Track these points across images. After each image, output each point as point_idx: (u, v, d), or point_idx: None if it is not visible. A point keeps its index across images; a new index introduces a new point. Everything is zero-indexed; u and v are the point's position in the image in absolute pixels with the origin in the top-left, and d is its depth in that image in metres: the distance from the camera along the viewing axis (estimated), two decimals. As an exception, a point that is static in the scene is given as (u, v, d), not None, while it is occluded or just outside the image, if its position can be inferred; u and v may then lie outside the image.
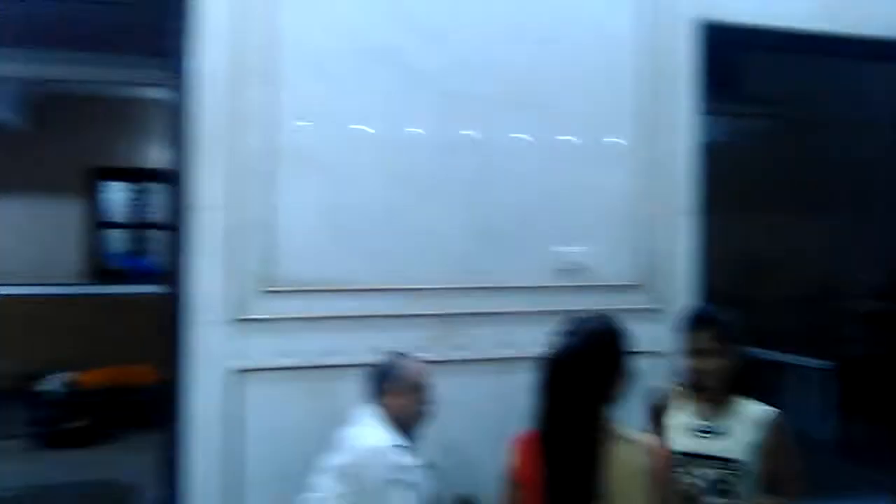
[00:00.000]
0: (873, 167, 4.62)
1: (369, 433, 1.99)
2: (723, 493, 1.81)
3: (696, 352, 1.86)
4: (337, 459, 1.99)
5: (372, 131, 2.53)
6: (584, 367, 1.62)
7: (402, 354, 2.21)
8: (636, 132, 2.78)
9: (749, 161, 6.05)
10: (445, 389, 2.35)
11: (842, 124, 5.53)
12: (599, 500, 1.52)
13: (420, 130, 2.58)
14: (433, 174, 2.58)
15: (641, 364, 2.06)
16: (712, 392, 1.88)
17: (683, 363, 1.92)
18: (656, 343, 2.47)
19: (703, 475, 1.83)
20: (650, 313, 2.67)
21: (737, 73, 4.94)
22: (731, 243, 5.55)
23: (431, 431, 2.24)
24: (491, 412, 2.52)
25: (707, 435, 1.86)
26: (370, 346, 2.33)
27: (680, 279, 2.79)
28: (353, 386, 2.18)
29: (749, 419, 1.86)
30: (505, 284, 2.62)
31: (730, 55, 3.93)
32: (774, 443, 1.83)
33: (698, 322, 1.89)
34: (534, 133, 2.67)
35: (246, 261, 2.40)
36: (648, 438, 1.69)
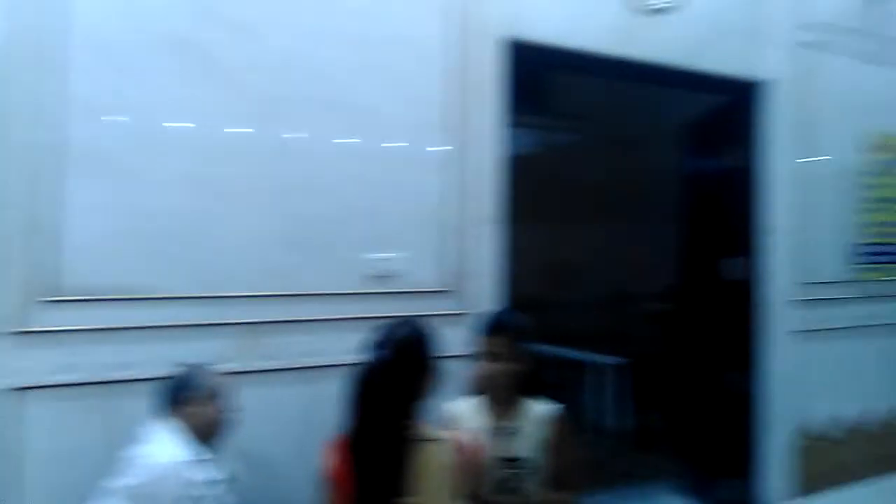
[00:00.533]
0: (661, 181, 5.13)
1: (162, 449, 1.89)
2: (512, 491, 1.92)
3: (488, 355, 1.96)
4: (127, 480, 1.86)
5: (173, 130, 2.40)
6: (393, 372, 1.68)
7: (197, 365, 2.12)
8: (446, 141, 2.87)
9: (554, 173, 6.49)
10: (251, 400, 2.30)
11: (636, 141, 6.09)
12: (407, 499, 1.57)
13: (227, 130, 2.48)
14: (239, 177, 2.49)
15: (450, 367, 2.14)
16: (503, 394, 1.99)
17: (477, 366, 2.01)
18: (464, 347, 2.57)
19: (495, 475, 1.93)
20: (458, 318, 2.77)
21: (544, 89, 5.27)
22: (536, 250, 5.92)
23: (234, 444, 2.17)
24: (299, 422, 2.49)
25: (498, 436, 1.97)
26: (167, 358, 2.21)
27: (486, 285, 2.93)
28: (145, 401, 2.05)
29: (536, 417, 1.99)
30: (315, 291, 2.59)
31: (537, 72, 4.18)
32: (558, 438, 1.97)
33: (491, 327, 1.99)
34: (345, 138, 2.67)
35: (24, 267, 2.18)
36: (455, 435, 1.76)
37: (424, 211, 2.82)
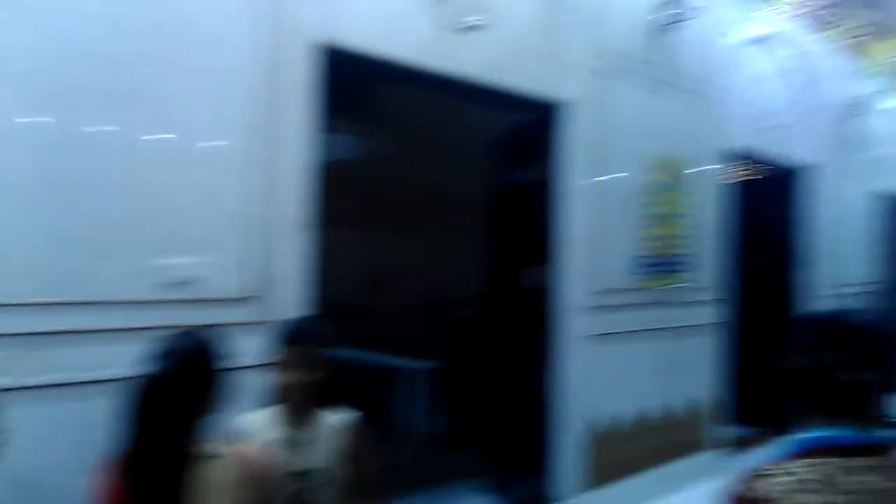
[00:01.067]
0: (472, 192, 5.34)
1: None
2: (307, 504, 1.89)
3: (285, 365, 1.92)
4: None
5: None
6: (174, 386, 1.59)
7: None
8: (252, 143, 2.77)
9: (370, 180, 6.53)
10: (23, 419, 2.06)
11: (449, 152, 6.28)
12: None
13: (-4, 120, 2.21)
14: (13, 172, 2.23)
15: (251, 377, 2.07)
16: (300, 404, 1.95)
17: (274, 376, 1.96)
18: (266, 356, 2.49)
19: (285, 489, 1.89)
20: (262, 326, 2.67)
21: (361, 96, 5.28)
22: (350, 256, 5.92)
23: (3, 468, 1.93)
24: (76, 442, 2.27)
25: (295, 447, 1.93)
26: None
27: (294, 291, 2.86)
28: None
29: (332, 427, 1.97)
30: (100, 299, 2.38)
31: (354, 78, 4.19)
32: (355, 446, 1.97)
33: (288, 336, 1.95)
34: (139, 134, 2.47)
35: None
36: (241, 450, 1.70)
37: (227, 214, 2.70)
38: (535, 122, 4.09)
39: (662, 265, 4.61)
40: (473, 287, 5.45)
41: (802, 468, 1.18)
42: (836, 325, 1.28)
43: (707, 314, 5.04)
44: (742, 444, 5.16)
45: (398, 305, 6.45)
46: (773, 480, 1.18)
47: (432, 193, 6.54)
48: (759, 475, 1.21)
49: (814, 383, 1.25)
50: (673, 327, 4.74)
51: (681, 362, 4.82)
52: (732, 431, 5.25)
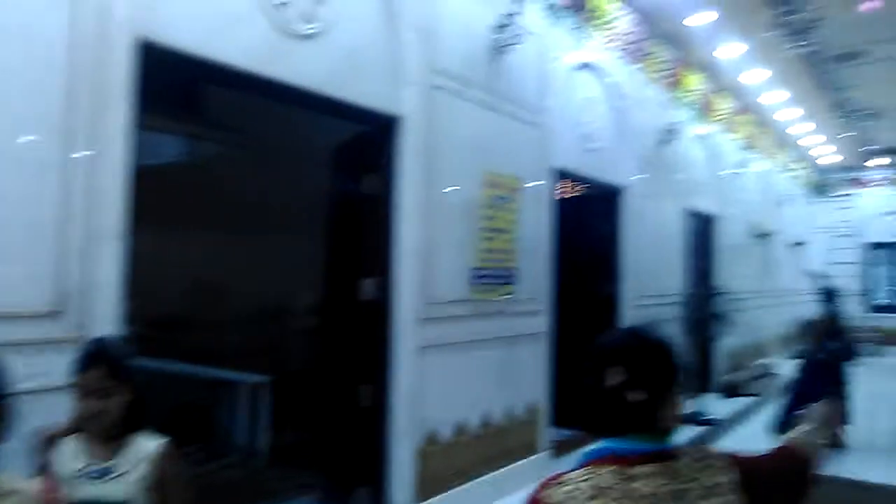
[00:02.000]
0: (308, 201, 5.25)
1: None
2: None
3: (85, 391, 1.77)
4: None
5: None
6: None
7: None
8: (59, 145, 2.54)
9: (199, 185, 6.22)
10: None
11: (286, 159, 6.14)
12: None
13: None
14: None
15: (53, 400, 1.87)
16: (104, 432, 1.80)
17: (75, 402, 1.80)
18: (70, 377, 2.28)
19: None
20: (67, 344, 2.45)
21: (189, 98, 5.05)
22: (175, 265, 5.59)
23: None
24: None
25: (97, 479, 1.78)
26: None
27: (105, 305, 2.65)
28: None
29: (140, 455, 1.84)
30: None
31: (180, 79, 3.98)
32: (161, 474, 1.84)
33: (88, 360, 1.80)
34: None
35: None
36: (32, 485, 1.54)
37: (26, 221, 2.45)
38: (372, 135, 4.10)
39: (495, 277, 4.79)
40: (308, 298, 5.35)
41: (583, 476, 1.29)
42: (626, 347, 1.39)
43: (536, 324, 5.30)
44: (564, 447, 5.46)
45: (229, 316, 6.18)
46: (560, 489, 1.28)
47: (266, 202, 6.35)
48: (550, 482, 1.30)
49: (604, 401, 1.35)
50: (506, 336, 4.93)
51: (515, 370, 5.03)
52: (557, 434, 5.54)
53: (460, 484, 4.44)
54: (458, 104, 4.50)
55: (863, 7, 6.44)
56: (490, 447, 4.75)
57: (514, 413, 5.01)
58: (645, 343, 1.39)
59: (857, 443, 6.62)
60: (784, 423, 6.66)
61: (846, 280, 14.86)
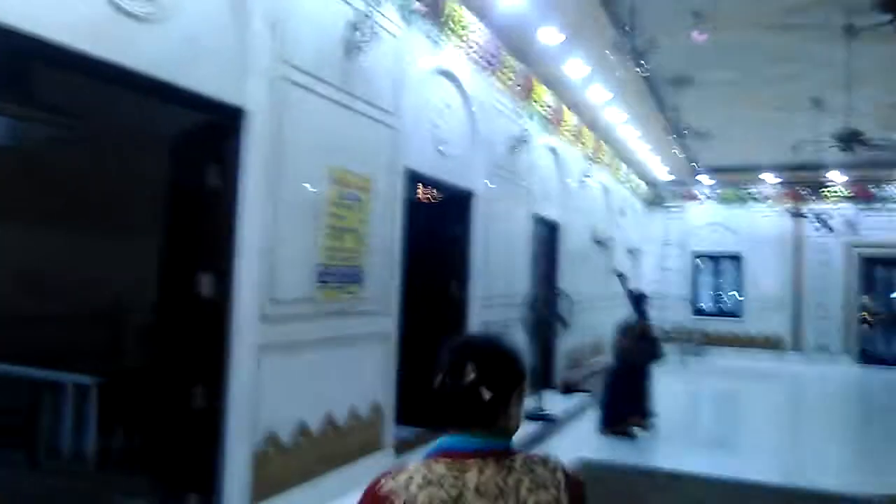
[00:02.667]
0: (146, 192, 4.98)
1: None
2: None
3: None
4: None
5: None
6: None
7: None
8: None
9: (26, 170, 5.76)
10: None
11: (123, 146, 5.80)
12: None
13: None
14: None
15: None
16: None
17: None
18: None
19: None
20: None
21: (15, 76, 4.64)
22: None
23: None
24: None
25: None
26: None
27: None
28: None
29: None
30: None
31: (3, 56, 3.65)
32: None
33: None
34: None
35: None
36: None
37: None
38: (214, 125, 3.96)
39: (341, 276, 4.78)
40: (141, 294, 5.06)
41: (418, 469, 1.36)
42: (477, 348, 1.47)
43: (383, 323, 5.35)
44: (408, 445, 5.55)
45: (55, 313, 5.71)
46: (395, 479, 1.35)
47: (99, 191, 5.94)
48: (386, 474, 1.37)
49: (453, 398, 1.42)
50: (351, 336, 4.93)
51: (359, 369, 5.04)
52: (402, 433, 5.62)
53: (301, 485, 4.38)
54: (309, 99, 4.45)
55: (693, 36, 7.06)
56: (333, 447, 4.73)
57: (358, 412, 5.02)
58: (494, 346, 1.48)
59: (662, 434, 7.28)
60: (605, 420, 7.20)
61: (675, 286, 16.24)
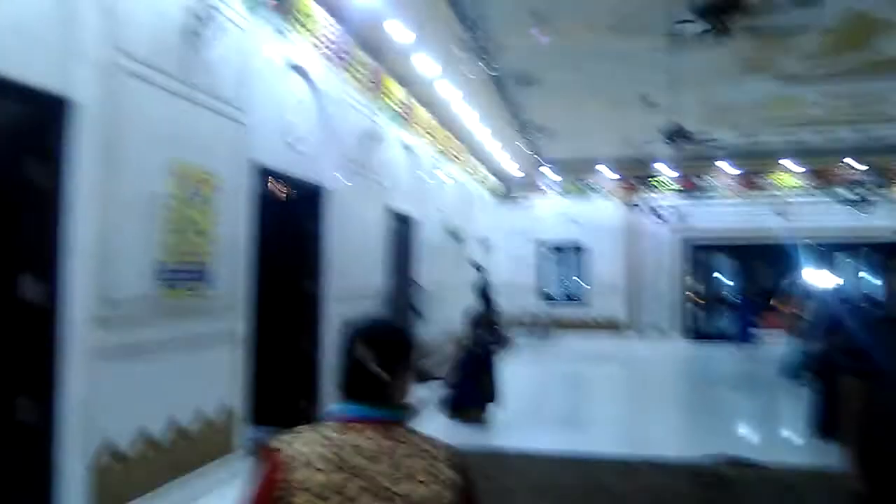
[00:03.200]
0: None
1: None
2: None
3: None
4: None
5: None
6: None
7: None
8: None
9: None
10: None
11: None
12: None
13: None
14: None
15: None
16: None
17: None
18: None
19: None
20: None
21: None
22: None
23: None
24: None
25: None
26: None
27: None
28: None
29: None
30: None
31: None
32: None
33: None
34: None
35: None
36: None
37: None
38: (37, 118, 3.65)
39: (185, 275, 4.58)
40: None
41: (307, 430, 1.54)
42: (374, 329, 1.66)
43: (232, 322, 5.19)
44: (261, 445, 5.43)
45: None
46: (286, 438, 1.52)
47: None
48: (281, 436, 1.54)
49: (351, 371, 1.59)
50: (197, 336, 4.74)
51: (207, 371, 4.85)
52: (254, 434, 5.49)
53: (149, 495, 4.17)
54: (145, 90, 4.22)
55: (535, 35, 7.41)
56: (181, 453, 4.53)
57: (206, 416, 4.84)
58: (383, 326, 1.71)
59: (513, 416, 7.64)
60: (452, 405, 7.44)
61: (525, 275, 16.99)
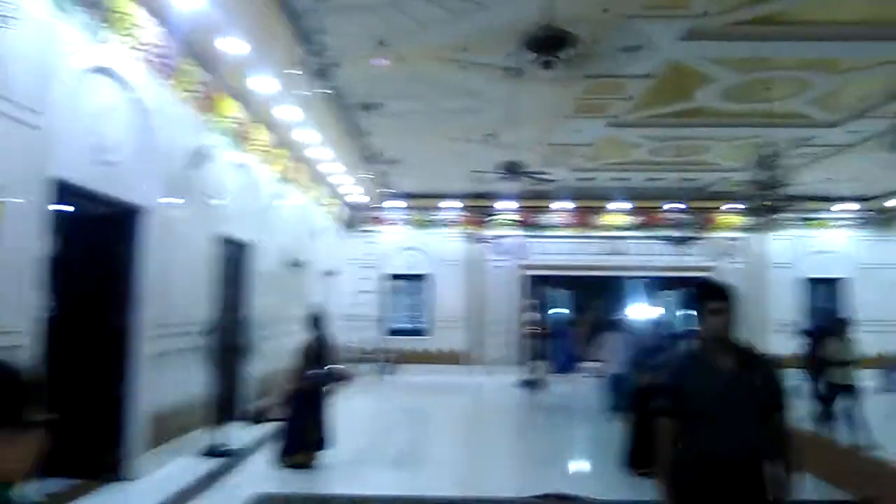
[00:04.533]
0: None
1: None
2: None
3: None
4: None
5: None
6: None
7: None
8: None
9: None
10: None
11: None
12: None
13: None
14: None
15: None
16: None
17: None
18: None
19: None
20: None
21: None
22: None
23: None
24: None
25: None
26: None
27: None
28: None
29: None
30: None
31: None
32: None
33: None
34: None
35: None
36: None
37: None
38: None
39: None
40: None
41: None
42: None
43: (11, 358, 4.41)
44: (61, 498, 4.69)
45: None
46: None
47: None
48: None
49: None
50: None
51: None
52: (49, 486, 4.73)
53: None
54: None
55: (374, 62, 7.25)
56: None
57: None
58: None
59: (349, 457, 7.26)
60: (284, 450, 6.92)
61: (370, 307, 16.68)
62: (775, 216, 10.38)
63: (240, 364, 8.21)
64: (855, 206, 16.69)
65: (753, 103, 9.68)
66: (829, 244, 16.89)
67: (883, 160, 11.47)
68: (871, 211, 16.72)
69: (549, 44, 5.63)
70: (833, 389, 8.51)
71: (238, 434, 7.62)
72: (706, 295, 3.03)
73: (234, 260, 8.93)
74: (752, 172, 9.91)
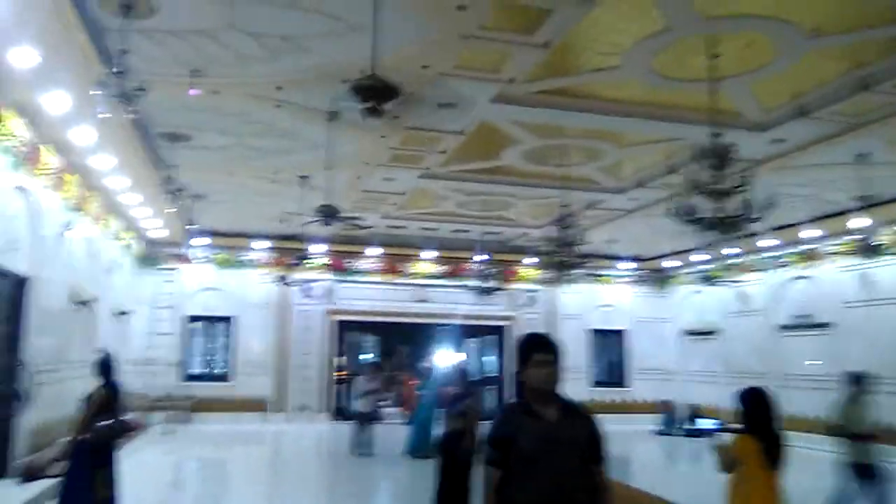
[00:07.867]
0: None
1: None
2: None
3: None
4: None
5: None
6: None
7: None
8: None
9: None
10: None
11: None
12: None
13: None
14: None
15: None
16: None
17: None
18: None
19: None
20: None
21: None
22: None
23: None
24: None
25: None
26: None
27: None
28: None
29: None
30: None
31: None
32: None
33: None
34: None
35: None
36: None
37: None
38: None
39: None
40: None
41: None
42: None
43: None
44: None
45: None
46: None
47: None
48: None
49: None
50: None
51: None
52: None
53: None
54: None
55: (190, 91, 6.94)
56: None
57: None
58: None
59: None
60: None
61: (166, 351, 15.51)
62: (569, 272, 11.25)
63: (10, 413, 7.21)
64: (634, 265, 18.63)
65: (551, 166, 10.56)
66: (612, 299, 18.64)
67: (658, 226, 12.96)
68: (647, 270, 18.75)
69: (375, 93, 5.74)
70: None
71: (5, 494, 6.64)
72: (533, 347, 3.07)
73: (7, 296, 7.93)
74: (549, 230, 10.72)
